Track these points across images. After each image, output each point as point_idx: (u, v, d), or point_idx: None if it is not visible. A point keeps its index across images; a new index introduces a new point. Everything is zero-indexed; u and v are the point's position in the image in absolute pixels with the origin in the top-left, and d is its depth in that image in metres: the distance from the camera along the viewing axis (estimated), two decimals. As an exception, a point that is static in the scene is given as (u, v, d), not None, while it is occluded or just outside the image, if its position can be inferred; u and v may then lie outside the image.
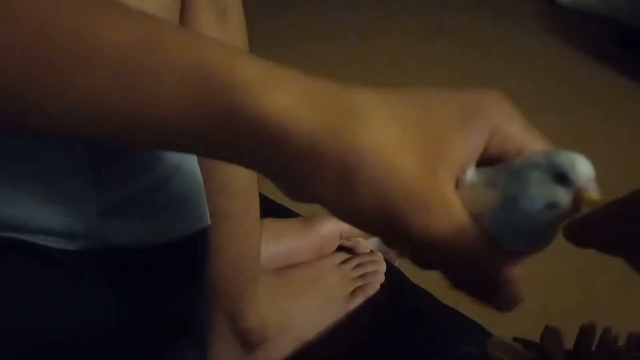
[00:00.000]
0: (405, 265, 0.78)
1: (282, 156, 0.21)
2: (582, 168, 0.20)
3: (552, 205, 0.21)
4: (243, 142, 0.21)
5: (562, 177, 0.20)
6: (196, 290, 0.40)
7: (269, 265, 0.57)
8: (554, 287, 0.92)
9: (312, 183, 0.21)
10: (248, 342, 0.50)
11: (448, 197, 0.21)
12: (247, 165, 0.23)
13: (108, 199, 0.30)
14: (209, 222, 0.38)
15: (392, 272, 0.62)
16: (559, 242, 0.22)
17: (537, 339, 0.52)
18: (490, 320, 0.65)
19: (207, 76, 0.21)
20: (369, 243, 0.66)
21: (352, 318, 0.56)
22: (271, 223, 0.59)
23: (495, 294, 0.21)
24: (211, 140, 0.22)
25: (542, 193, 0.21)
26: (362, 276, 0.59)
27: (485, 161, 0.23)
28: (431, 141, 0.21)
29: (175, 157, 0.34)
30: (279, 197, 0.69)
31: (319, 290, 0.57)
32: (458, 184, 0.22)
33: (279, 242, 0.59)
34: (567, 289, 0.93)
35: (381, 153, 0.20)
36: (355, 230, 0.63)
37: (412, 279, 0.63)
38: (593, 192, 0.20)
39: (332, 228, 0.61)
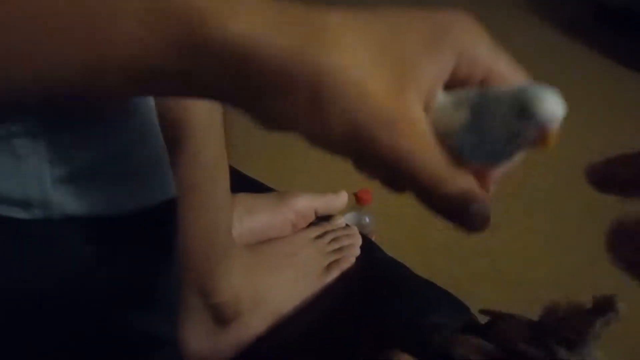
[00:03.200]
0: (380, 240, 0.78)
1: (251, 81, 0.21)
2: (547, 105, 0.20)
3: (513, 136, 0.21)
4: (210, 71, 0.21)
5: (525, 111, 0.20)
6: (166, 264, 0.39)
7: (243, 241, 0.56)
8: (528, 259, 0.94)
9: (283, 107, 0.21)
10: (221, 317, 0.50)
11: (415, 117, 0.22)
12: (218, 97, 0.23)
13: (63, 167, 0.29)
14: (175, 193, 0.37)
15: (367, 246, 0.62)
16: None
17: (509, 309, 0.52)
18: (465, 292, 0.65)
19: (168, 5, 0.20)
20: (344, 218, 0.66)
21: (327, 291, 0.56)
22: (245, 198, 0.58)
23: (463, 211, 0.22)
24: (179, 73, 0.21)
25: (504, 124, 0.21)
26: (337, 250, 0.59)
27: (454, 84, 0.23)
28: (399, 64, 0.21)
29: (136, 126, 0.33)
30: (252, 171, 0.68)
31: (293, 264, 0.56)
32: (427, 106, 0.22)
33: (253, 217, 0.58)
34: (539, 261, 0.94)
35: (351, 74, 0.21)
36: (330, 206, 0.63)
37: (388, 252, 0.63)
38: (553, 132, 0.20)
39: (306, 204, 0.61)
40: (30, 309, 0.30)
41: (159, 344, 0.38)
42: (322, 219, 0.63)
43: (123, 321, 0.34)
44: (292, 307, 0.54)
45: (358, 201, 1.00)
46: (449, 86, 0.23)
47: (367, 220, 1.01)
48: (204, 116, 0.42)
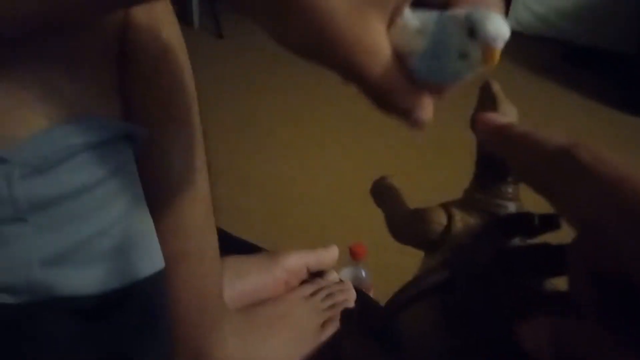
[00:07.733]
0: (378, 293, 0.77)
1: None
2: (492, 25, 0.23)
3: (463, 56, 0.23)
4: None
5: (473, 32, 0.23)
6: (155, 338, 0.38)
7: (235, 304, 0.55)
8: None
9: (261, 10, 0.24)
10: (217, 387, 0.48)
11: (374, 36, 0.23)
12: None
13: (50, 249, 0.29)
14: (163, 264, 0.37)
15: (363, 300, 0.61)
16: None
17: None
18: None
19: None
20: (341, 273, 0.65)
21: (324, 349, 0.55)
22: (234, 261, 0.58)
23: (410, 114, 0.25)
24: None
25: (456, 44, 0.23)
26: (331, 307, 0.58)
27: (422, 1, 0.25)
28: None
29: (123, 201, 0.33)
30: (239, 231, 0.68)
31: (288, 324, 0.55)
32: (393, 22, 0.24)
33: (244, 280, 0.57)
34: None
35: None
36: (321, 261, 0.63)
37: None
38: (497, 51, 0.23)
39: (297, 261, 0.60)
40: None
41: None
42: (316, 275, 0.62)
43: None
44: (290, 368, 0.53)
45: (352, 256, 0.99)
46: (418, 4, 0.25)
47: (364, 274, 1.00)
48: (188, 182, 0.42)
